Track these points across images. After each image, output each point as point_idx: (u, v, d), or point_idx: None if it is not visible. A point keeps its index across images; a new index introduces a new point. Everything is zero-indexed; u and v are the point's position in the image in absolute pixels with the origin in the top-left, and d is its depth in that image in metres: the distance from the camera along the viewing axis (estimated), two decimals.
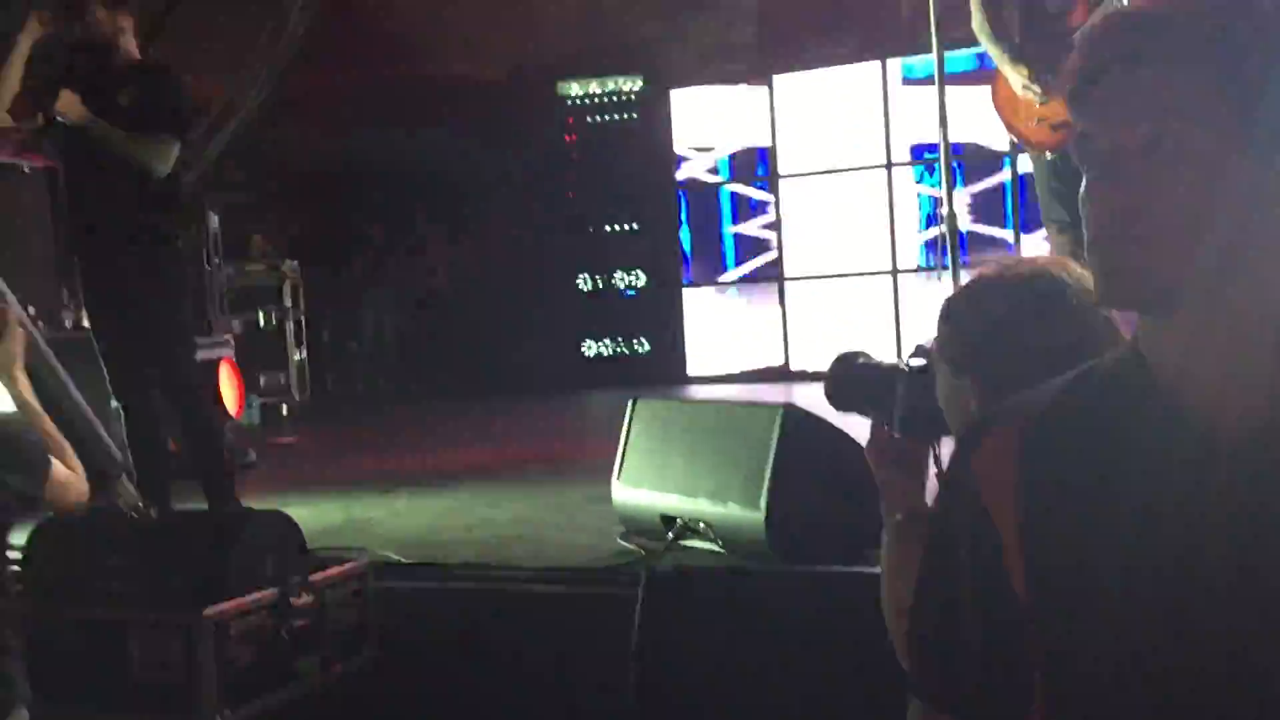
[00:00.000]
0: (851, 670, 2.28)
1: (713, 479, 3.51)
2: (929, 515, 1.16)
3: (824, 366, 1.78)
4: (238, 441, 6.23)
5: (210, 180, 8.14)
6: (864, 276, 8.99)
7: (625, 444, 3.85)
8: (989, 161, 8.39)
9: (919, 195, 8.89)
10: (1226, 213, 0.96)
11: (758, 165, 9.35)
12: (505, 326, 9.42)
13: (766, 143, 9.24)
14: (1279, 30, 0.96)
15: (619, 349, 9.55)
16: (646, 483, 3.74)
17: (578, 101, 9.47)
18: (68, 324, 6.23)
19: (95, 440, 4.74)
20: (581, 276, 9.56)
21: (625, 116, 9.43)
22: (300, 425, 8.31)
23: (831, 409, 1.79)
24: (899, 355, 1.71)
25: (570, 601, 3.36)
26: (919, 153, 8.78)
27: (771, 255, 9.34)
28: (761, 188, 9.38)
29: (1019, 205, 8.30)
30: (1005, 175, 8.38)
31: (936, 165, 5.34)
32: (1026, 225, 8.16)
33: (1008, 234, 8.41)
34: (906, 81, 8.71)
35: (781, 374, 9.06)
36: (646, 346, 9.52)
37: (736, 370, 9.26)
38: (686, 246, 9.60)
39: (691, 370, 9.41)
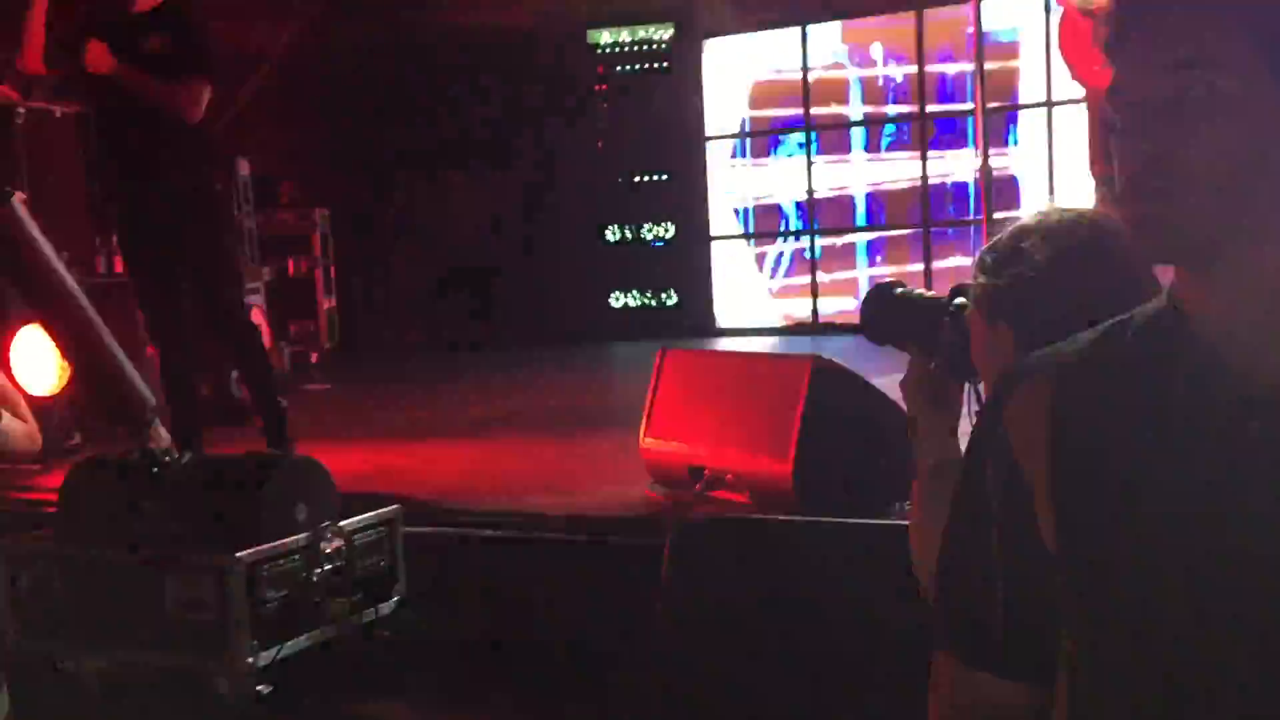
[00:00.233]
0: (878, 622, 2.29)
1: (741, 430, 3.51)
2: (960, 465, 1.15)
3: (853, 320, 1.76)
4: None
5: (240, 127, 8.14)
6: (894, 231, 8.93)
7: (653, 395, 3.85)
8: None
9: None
10: (1263, 165, 0.95)
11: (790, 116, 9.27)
12: (534, 277, 9.41)
13: (799, 92, 9.14)
14: None
15: (647, 301, 9.53)
16: (675, 434, 3.75)
17: (608, 50, 9.38)
18: (101, 269, 6.27)
19: (129, 384, 4.78)
20: (610, 228, 9.52)
21: (656, 65, 9.34)
22: (330, 374, 8.35)
23: (867, 340, 1.76)
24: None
25: (597, 551, 3.38)
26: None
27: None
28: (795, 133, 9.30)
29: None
30: None
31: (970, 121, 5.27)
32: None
33: None
34: None
35: (811, 327, 9.03)
36: (675, 298, 9.49)
37: (765, 324, 9.23)
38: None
39: (721, 322, 9.39)
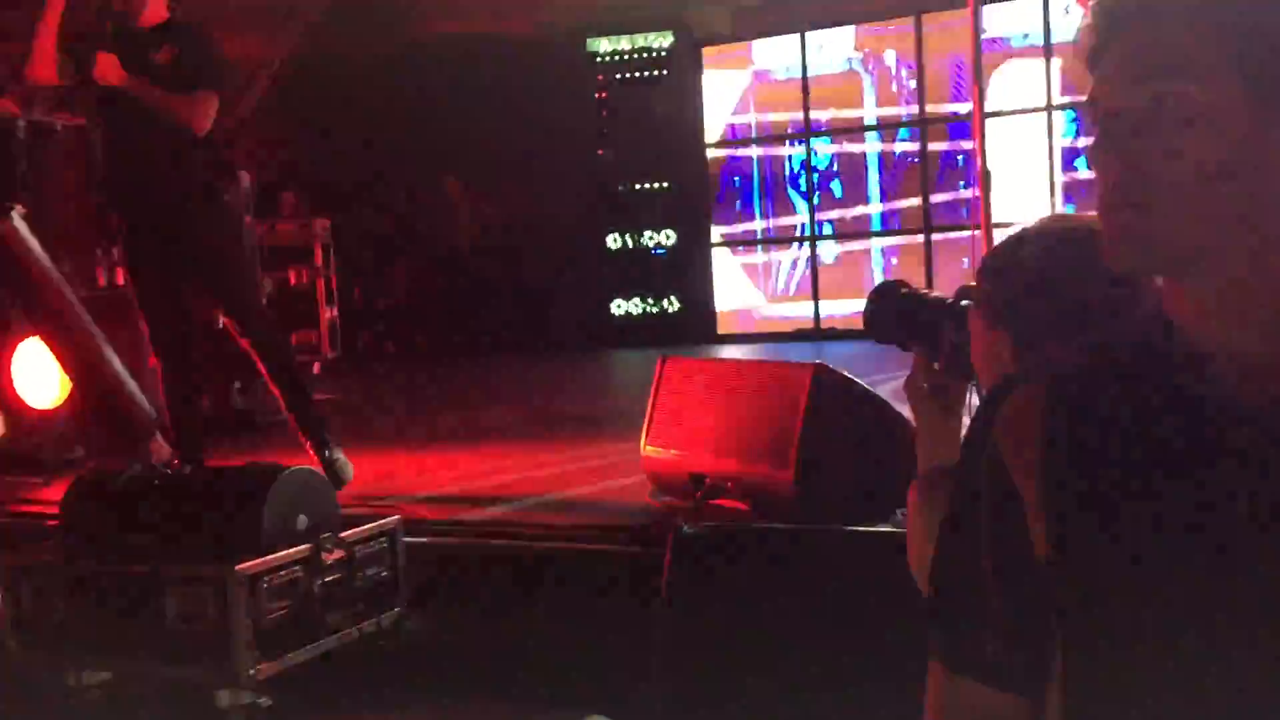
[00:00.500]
0: (879, 631, 2.28)
1: (742, 438, 3.51)
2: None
3: (854, 326, 1.76)
4: (269, 399, 6.26)
5: (241, 138, 8.15)
6: (896, 235, 8.93)
7: (654, 403, 3.85)
8: None
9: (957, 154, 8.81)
10: (1236, 177, 0.94)
11: (789, 124, 9.28)
12: (535, 285, 9.42)
13: (798, 100, 9.15)
14: None
15: (648, 308, 9.53)
16: (676, 442, 3.75)
17: (607, 59, 9.40)
18: (103, 282, 6.27)
19: (128, 397, 4.79)
20: (611, 235, 9.53)
21: (655, 74, 9.36)
22: (332, 384, 8.35)
23: (872, 340, 1.75)
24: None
25: (598, 560, 3.38)
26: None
27: (803, 217, 9.28)
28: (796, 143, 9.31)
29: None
30: None
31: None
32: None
33: None
34: None
35: (812, 333, 9.03)
36: (676, 305, 9.50)
37: (766, 330, 9.23)
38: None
39: (722, 329, 9.39)
